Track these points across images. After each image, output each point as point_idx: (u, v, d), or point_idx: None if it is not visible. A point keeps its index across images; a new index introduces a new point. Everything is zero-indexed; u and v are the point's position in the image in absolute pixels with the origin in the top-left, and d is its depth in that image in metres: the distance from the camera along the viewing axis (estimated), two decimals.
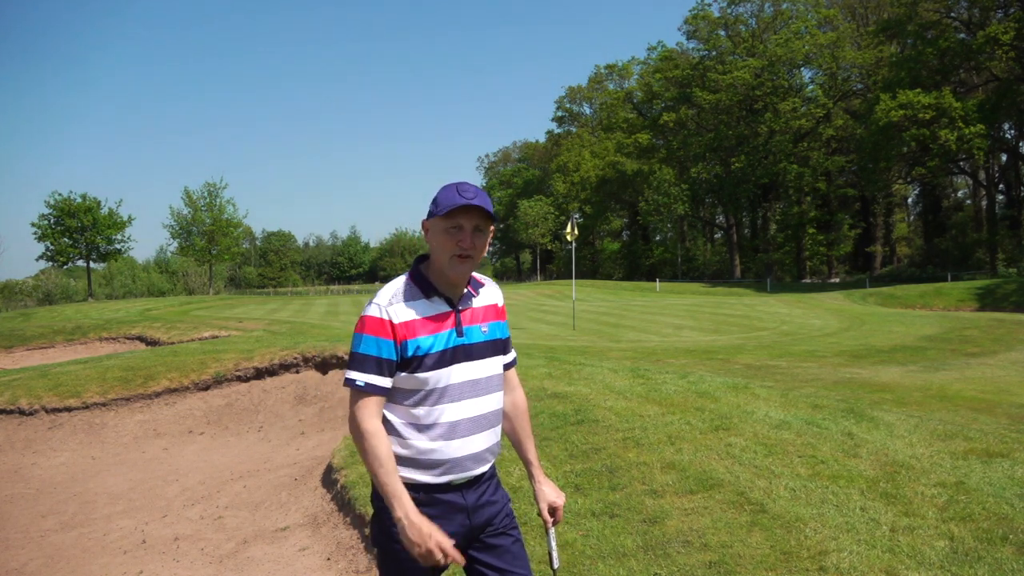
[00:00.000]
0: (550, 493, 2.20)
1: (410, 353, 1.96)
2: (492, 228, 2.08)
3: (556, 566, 2.22)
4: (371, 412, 1.96)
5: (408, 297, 2.01)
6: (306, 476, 6.07)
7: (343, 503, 4.95)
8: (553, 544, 2.21)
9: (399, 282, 2.05)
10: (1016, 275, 39.98)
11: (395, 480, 1.91)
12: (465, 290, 2.09)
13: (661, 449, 4.63)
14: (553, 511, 2.20)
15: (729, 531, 3.47)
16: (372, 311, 1.97)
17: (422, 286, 2.04)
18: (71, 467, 7.45)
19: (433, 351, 1.98)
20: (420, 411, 2.00)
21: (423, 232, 2.07)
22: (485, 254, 2.09)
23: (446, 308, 2.04)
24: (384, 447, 1.93)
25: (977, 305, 30.71)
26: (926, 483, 3.87)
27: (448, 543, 1.88)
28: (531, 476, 2.24)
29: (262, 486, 6.17)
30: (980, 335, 15.60)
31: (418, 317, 1.99)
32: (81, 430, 8.29)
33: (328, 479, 5.55)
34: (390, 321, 1.96)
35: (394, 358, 1.96)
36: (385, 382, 1.96)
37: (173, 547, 4.96)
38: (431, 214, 2.01)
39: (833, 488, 3.85)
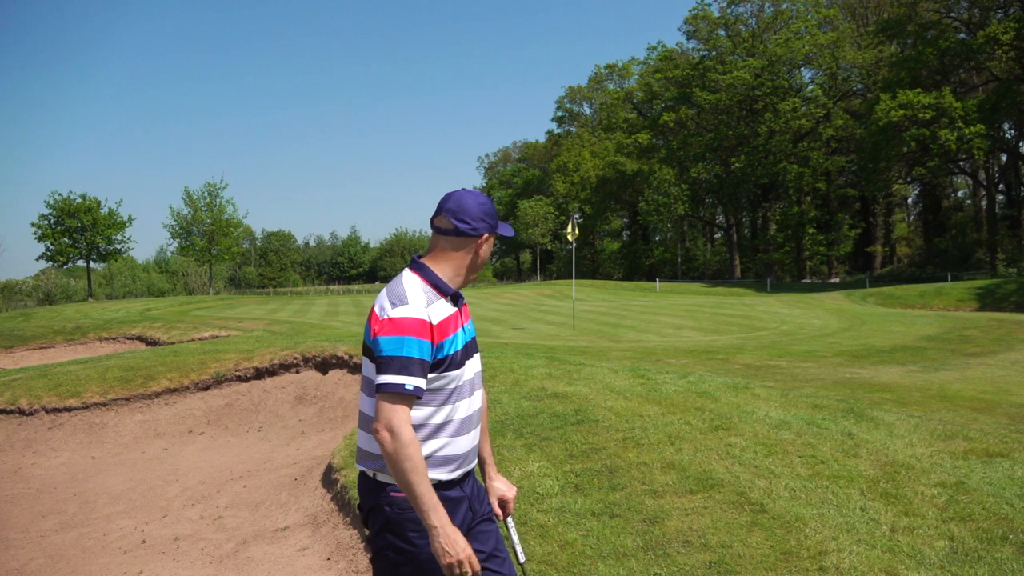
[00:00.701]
0: (501, 487, 2.28)
1: (444, 353, 2.00)
2: None
3: (523, 560, 2.23)
4: (408, 418, 1.94)
5: (433, 298, 2.04)
6: (306, 476, 6.06)
7: (343, 503, 4.95)
8: (515, 538, 2.24)
9: (416, 282, 2.05)
10: (1016, 275, 39.99)
11: (431, 489, 1.90)
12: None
13: (661, 449, 4.63)
14: (503, 504, 2.27)
15: (729, 531, 3.47)
16: (413, 312, 1.95)
17: (438, 287, 2.06)
18: (71, 467, 7.45)
19: (457, 349, 2.04)
20: (445, 409, 2.04)
21: (479, 241, 2.09)
22: None
23: (454, 308, 2.10)
24: (421, 456, 1.92)
25: (977, 305, 30.71)
26: (926, 483, 3.87)
27: (475, 556, 1.91)
28: (484, 473, 2.30)
29: (262, 486, 6.17)
30: (980, 335, 15.60)
31: (444, 317, 2.03)
32: (81, 430, 8.29)
33: (328, 479, 5.55)
34: (430, 323, 1.97)
35: (430, 360, 1.97)
36: (425, 384, 1.98)
37: (173, 547, 4.96)
38: (491, 229, 2.10)
39: (833, 488, 3.85)
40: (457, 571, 1.89)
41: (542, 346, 13.39)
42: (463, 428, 2.07)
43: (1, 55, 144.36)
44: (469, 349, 2.12)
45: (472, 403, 2.12)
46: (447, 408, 2.04)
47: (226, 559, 4.63)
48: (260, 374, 9.32)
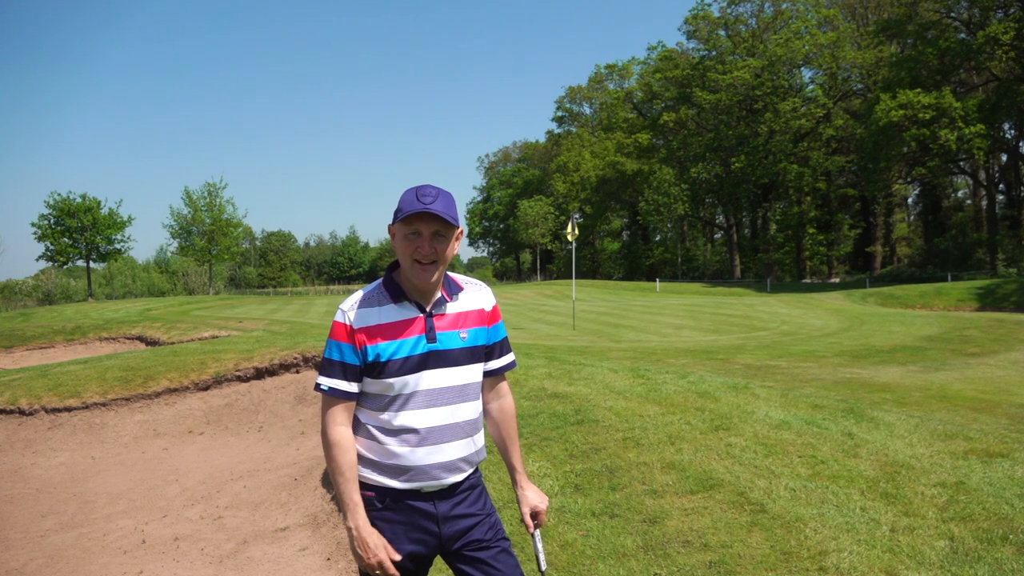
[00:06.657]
0: (533, 498, 2.18)
1: (371, 358, 1.95)
2: (459, 231, 2.02)
3: (543, 568, 2.21)
4: (337, 419, 1.98)
5: (374, 302, 2.00)
6: (306, 476, 6.06)
7: None
8: (539, 547, 2.21)
9: (370, 287, 2.06)
10: (1016, 275, 39.95)
11: (353, 489, 1.95)
12: (438, 295, 2.04)
13: (661, 449, 4.63)
14: (536, 515, 2.18)
15: (729, 531, 3.47)
16: (337, 316, 2.00)
17: (391, 291, 2.02)
18: (71, 467, 7.44)
19: (397, 357, 1.95)
20: (386, 416, 1.98)
21: (391, 237, 2.02)
22: (452, 258, 2.03)
23: (415, 313, 2.01)
24: (347, 458, 1.95)
25: (977, 305, 30.70)
26: (926, 483, 3.87)
27: (390, 565, 1.92)
28: (515, 482, 2.22)
29: (262, 486, 6.17)
30: (980, 335, 15.60)
31: (381, 323, 1.97)
32: (81, 430, 8.29)
33: (328, 479, 5.55)
34: (350, 326, 1.97)
35: (357, 363, 1.96)
36: (350, 387, 1.96)
37: (173, 547, 4.96)
38: (394, 219, 1.96)
39: (833, 488, 3.85)
40: (373, 573, 1.92)
41: (542, 346, 13.38)
42: (422, 440, 1.97)
43: (2, 55, 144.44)
44: (436, 358, 1.99)
45: (441, 415, 2.00)
46: (392, 414, 1.98)
47: (226, 559, 4.63)
48: (260, 374, 9.32)
